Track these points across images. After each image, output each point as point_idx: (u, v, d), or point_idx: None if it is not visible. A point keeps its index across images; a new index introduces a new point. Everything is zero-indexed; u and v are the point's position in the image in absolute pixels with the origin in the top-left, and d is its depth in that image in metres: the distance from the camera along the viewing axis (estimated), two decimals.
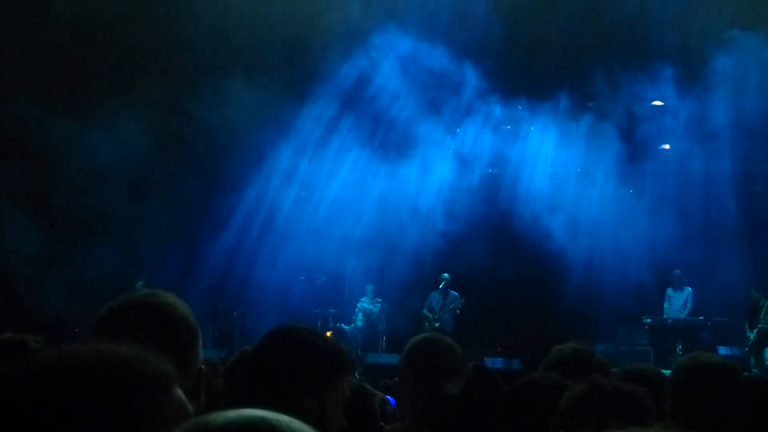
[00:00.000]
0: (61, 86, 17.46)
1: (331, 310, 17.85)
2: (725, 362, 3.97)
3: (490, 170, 19.23)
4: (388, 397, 5.12)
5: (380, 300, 18.06)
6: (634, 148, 18.27)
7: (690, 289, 16.92)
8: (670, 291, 17.12)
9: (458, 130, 19.31)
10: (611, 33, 17.28)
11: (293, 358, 2.64)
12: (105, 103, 17.25)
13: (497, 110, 18.89)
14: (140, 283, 17.34)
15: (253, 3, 17.48)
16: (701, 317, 16.59)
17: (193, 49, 17.78)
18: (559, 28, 17.03)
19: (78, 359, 1.32)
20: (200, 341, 2.46)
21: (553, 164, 18.86)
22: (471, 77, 18.34)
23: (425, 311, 17.47)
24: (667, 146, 18.83)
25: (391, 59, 18.22)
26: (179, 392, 1.39)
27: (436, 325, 17.02)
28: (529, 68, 18.07)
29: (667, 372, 13.14)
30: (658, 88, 17.72)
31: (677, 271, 17.05)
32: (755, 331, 15.78)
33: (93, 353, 1.33)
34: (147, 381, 1.33)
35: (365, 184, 18.71)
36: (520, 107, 18.92)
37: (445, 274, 17.47)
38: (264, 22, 17.46)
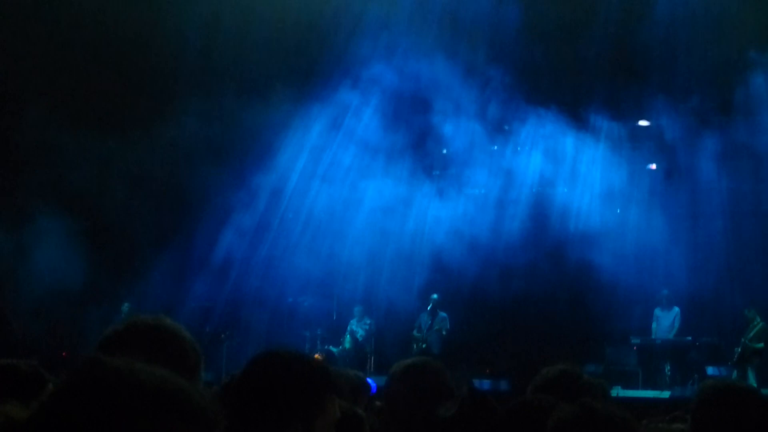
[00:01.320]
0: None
1: (320, 332, 17.78)
2: (750, 388, 3.92)
3: (477, 190, 19.23)
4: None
5: (369, 321, 17.99)
6: (626, 167, 18.37)
7: (677, 309, 16.92)
8: (657, 311, 17.12)
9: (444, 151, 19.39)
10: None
11: (277, 383, 2.65)
12: None
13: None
14: (126, 305, 17.27)
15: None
16: (689, 337, 16.59)
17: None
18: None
19: (146, 383, 1.32)
20: (203, 366, 2.45)
21: (539, 183, 18.91)
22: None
23: (414, 332, 17.42)
24: (653, 166, 18.92)
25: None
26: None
27: (423, 345, 16.97)
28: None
29: (654, 393, 13.03)
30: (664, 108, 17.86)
31: (665, 291, 17.06)
32: (739, 348, 15.81)
33: (161, 379, 1.34)
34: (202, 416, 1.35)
35: (353, 204, 18.69)
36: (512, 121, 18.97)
37: (434, 295, 17.43)
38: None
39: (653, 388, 15.84)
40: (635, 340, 16.98)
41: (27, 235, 17.45)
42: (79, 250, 17.53)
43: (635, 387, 15.99)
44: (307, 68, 18.40)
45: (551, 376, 3.87)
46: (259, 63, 17.86)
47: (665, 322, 16.96)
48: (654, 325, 17.08)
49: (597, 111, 18.36)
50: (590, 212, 18.13)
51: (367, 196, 18.64)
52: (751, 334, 15.83)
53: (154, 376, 1.33)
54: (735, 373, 15.62)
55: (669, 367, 16.34)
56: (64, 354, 16.76)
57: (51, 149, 17.08)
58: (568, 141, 18.50)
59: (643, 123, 18.78)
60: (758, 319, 15.90)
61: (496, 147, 19.19)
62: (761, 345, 15.76)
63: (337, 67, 18.21)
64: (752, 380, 15.36)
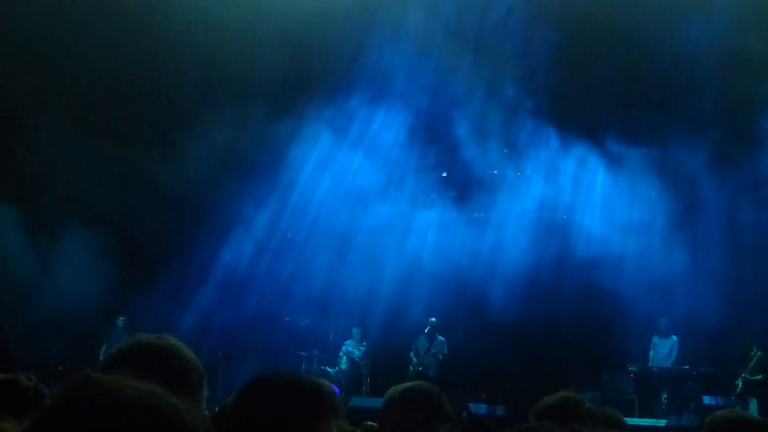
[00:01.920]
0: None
1: (316, 353, 17.76)
2: (761, 420, 3.91)
3: (476, 214, 19.26)
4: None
5: (366, 343, 17.98)
6: (629, 194, 18.44)
7: (675, 337, 16.91)
8: (655, 339, 17.11)
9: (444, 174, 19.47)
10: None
11: (268, 414, 2.61)
12: None
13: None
14: (121, 319, 17.28)
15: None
16: (686, 366, 16.57)
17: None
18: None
19: (133, 400, 1.32)
20: (206, 385, 2.44)
21: (539, 208, 18.94)
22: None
23: (411, 354, 17.39)
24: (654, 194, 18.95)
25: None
26: None
27: (420, 369, 16.94)
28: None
29: (650, 421, 12.97)
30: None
31: (663, 319, 17.05)
32: (740, 381, 15.81)
33: (148, 396, 1.34)
34: None
35: (353, 225, 18.72)
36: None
37: (432, 318, 17.41)
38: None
39: (650, 416, 15.79)
40: (632, 368, 16.95)
41: (38, 249, 17.51)
42: (83, 265, 17.59)
43: (632, 415, 15.91)
44: (319, 83, 18.52)
45: (553, 403, 3.88)
46: (266, 80, 18.00)
47: (663, 350, 16.95)
48: (651, 353, 17.06)
49: (601, 136, 18.44)
50: (590, 239, 18.14)
51: (367, 218, 18.67)
52: (750, 366, 15.83)
53: (142, 392, 1.33)
54: (738, 407, 15.59)
55: (666, 396, 16.30)
56: (60, 368, 16.73)
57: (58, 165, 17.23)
58: (570, 164, 18.57)
59: (644, 149, 18.78)
60: (755, 349, 15.91)
61: (496, 171, 19.21)
62: (760, 377, 15.76)
63: (351, 84, 18.36)
64: (754, 411, 15.36)
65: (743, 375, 15.77)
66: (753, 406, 15.58)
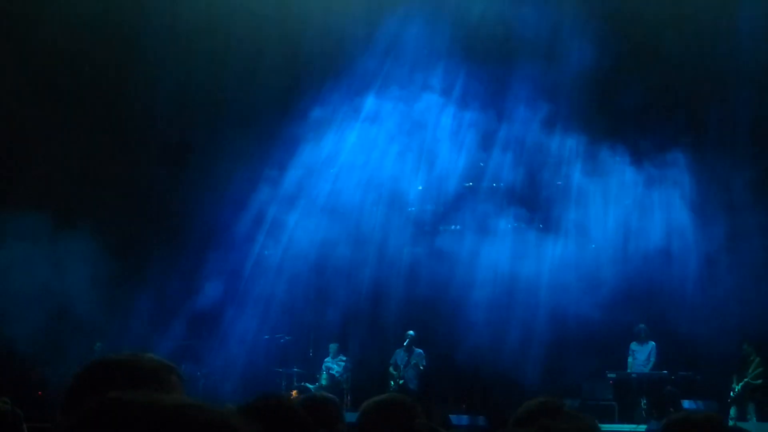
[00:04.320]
0: None
1: (296, 369, 17.71)
2: (710, 414, 3.94)
3: (452, 227, 19.31)
4: None
5: (344, 359, 17.93)
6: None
7: (653, 343, 16.96)
8: (634, 345, 17.15)
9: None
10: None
11: None
12: None
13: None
14: (98, 344, 17.12)
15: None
16: (665, 371, 16.65)
17: None
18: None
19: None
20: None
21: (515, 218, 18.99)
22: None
23: (391, 369, 17.37)
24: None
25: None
26: None
27: (401, 382, 16.93)
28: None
29: (630, 427, 13.03)
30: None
31: (641, 325, 17.10)
32: (741, 384, 15.91)
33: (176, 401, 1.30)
34: None
35: (329, 239, 18.71)
36: None
37: (411, 332, 17.39)
38: None
39: (629, 422, 15.86)
40: (611, 375, 17.03)
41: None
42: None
43: (611, 421, 15.98)
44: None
45: (531, 409, 3.88)
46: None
47: (641, 356, 17.01)
48: (630, 359, 17.12)
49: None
50: (566, 246, 18.21)
51: (344, 230, 18.67)
52: (751, 371, 15.95)
53: (171, 399, 1.29)
54: (733, 411, 15.71)
55: (645, 401, 16.36)
56: (39, 393, 16.60)
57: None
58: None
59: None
60: (754, 355, 16.05)
61: (471, 183, 19.29)
62: (760, 381, 15.89)
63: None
64: (752, 415, 15.47)
65: (746, 379, 15.90)
66: (752, 410, 15.71)
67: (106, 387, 1.42)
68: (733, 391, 15.99)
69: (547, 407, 3.85)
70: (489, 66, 18.37)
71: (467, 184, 19.27)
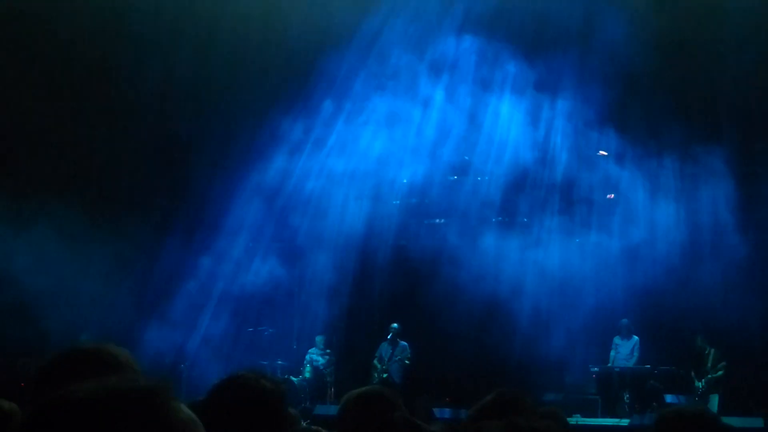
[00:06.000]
0: None
1: (279, 362, 17.69)
2: (701, 409, 3.95)
3: (437, 220, 19.32)
4: None
5: (329, 351, 17.94)
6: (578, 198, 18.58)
7: (637, 338, 17.05)
8: (617, 339, 17.23)
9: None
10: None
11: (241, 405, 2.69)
12: None
13: None
14: (84, 335, 17.04)
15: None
16: (648, 366, 16.73)
17: None
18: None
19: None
20: None
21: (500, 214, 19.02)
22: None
23: (375, 362, 17.39)
24: (611, 195, 19.09)
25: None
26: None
27: (384, 375, 16.95)
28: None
29: (613, 421, 13.09)
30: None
31: (625, 320, 17.17)
32: (703, 381, 16.00)
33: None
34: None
35: (314, 232, 18.70)
36: None
37: (394, 324, 17.43)
38: None
39: (612, 416, 15.93)
40: (594, 369, 17.10)
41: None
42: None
43: (594, 415, 16.06)
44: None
45: (489, 400, 3.84)
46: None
47: (624, 350, 17.09)
48: (613, 353, 17.20)
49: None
50: (550, 243, 18.24)
51: (330, 223, 18.67)
52: (710, 365, 16.06)
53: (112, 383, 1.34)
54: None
55: (628, 396, 16.44)
56: (22, 385, 16.47)
57: None
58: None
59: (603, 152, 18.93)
60: (708, 347, 16.18)
61: (455, 177, 19.30)
62: (721, 373, 16.00)
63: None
64: (714, 407, 15.55)
65: (708, 376, 15.99)
66: (715, 402, 15.79)
67: (69, 379, 1.43)
68: (699, 389, 16.10)
69: (505, 399, 3.82)
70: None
71: (452, 177, 19.27)
